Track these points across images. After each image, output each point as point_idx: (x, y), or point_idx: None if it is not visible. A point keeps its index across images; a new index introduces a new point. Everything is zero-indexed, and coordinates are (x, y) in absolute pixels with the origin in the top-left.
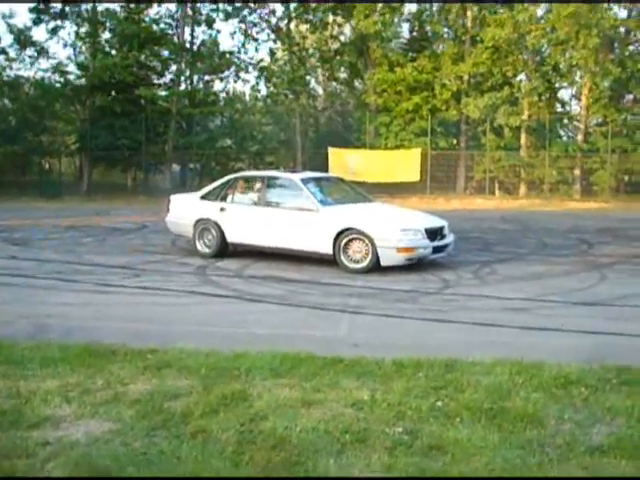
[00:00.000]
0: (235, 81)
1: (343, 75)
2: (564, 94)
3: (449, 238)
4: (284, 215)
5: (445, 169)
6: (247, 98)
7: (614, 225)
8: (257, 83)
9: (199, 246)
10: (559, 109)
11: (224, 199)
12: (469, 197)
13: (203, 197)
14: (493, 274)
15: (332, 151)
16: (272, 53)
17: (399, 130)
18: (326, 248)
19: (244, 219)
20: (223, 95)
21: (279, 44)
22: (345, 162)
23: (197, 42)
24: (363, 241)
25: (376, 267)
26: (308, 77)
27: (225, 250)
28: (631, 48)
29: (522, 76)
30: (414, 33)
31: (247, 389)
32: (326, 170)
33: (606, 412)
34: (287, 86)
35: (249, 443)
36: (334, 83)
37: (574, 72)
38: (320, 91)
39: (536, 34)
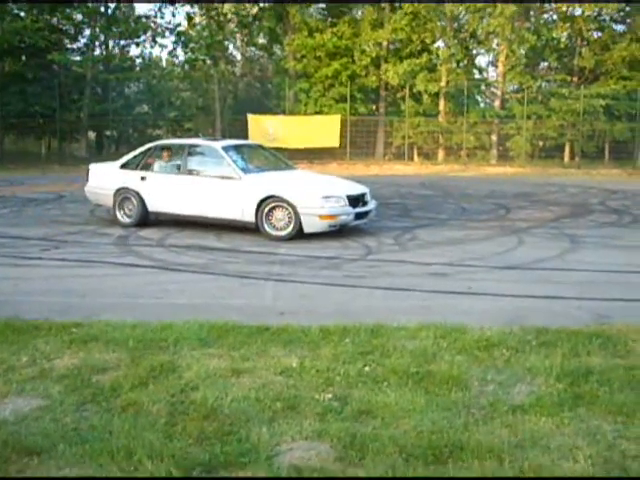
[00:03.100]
0: (152, 46)
1: (262, 41)
2: (481, 61)
3: (371, 205)
4: (205, 183)
5: (364, 135)
6: (164, 64)
7: (530, 190)
8: (174, 48)
9: (119, 216)
10: (477, 76)
11: (144, 168)
12: (388, 163)
13: (123, 166)
14: (414, 240)
15: (251, 117)
16: (190, 18)
17: (318, 96)
18: (248, 216)
19: (165, 188)
20: (139, 60)
21: (197, 8)
22: (265, 128)
23: (112, 5)
24: (286, 209)
25: (299, 234)
26: (226, 42)
27: (146, 219)
28: (546, 16)
29: (440, 43)
30: None
31: (176, 360)
32: (245, 137)
33: (527, 372)
34: (205, 52)
35: (181, 414)
36: (253, 49)
37: (491, 39)
38: (239, 57)
39: (454, 1)
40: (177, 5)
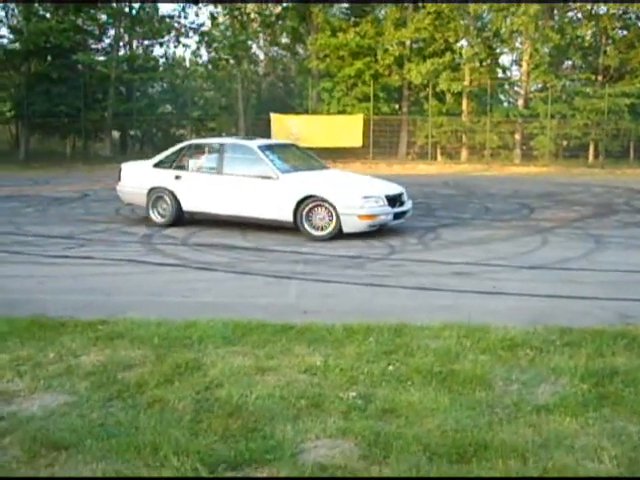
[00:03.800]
0: (175, 46)
1: (285, 40)
2: (505, 60)
3: (408, 204)
4: (243, 183)
5: (387, 134)
6: (188, 63)
7: (554, 189)
8: (198, 48)
9: (153, 215)
10: (500, 75)
11: (179, 167)
12: (411, 162)
13: (156, 165)
14: (437, 239)
15: (274, 117)
16: (213, 18)
17: (342, 95)
18: (286, 216)
19: (200, 187)
20: (163, 60)
21: (220, 8)
22: (287, 128)
23: (136, 6)
24: (326, 208)
25: (338, 234)
26: (250, 42)
27: (181, 219)
28: (570, 15)
29: (464, 42)
30: None
31: (200, 358)
32: (269, 136)
33: (551, 372)
34: (228, 51)
35: (206, 411)
36: (276, 48)
37: (515, 38)
38: (262, 56)
39: (478, 0)
40: (200, 5)
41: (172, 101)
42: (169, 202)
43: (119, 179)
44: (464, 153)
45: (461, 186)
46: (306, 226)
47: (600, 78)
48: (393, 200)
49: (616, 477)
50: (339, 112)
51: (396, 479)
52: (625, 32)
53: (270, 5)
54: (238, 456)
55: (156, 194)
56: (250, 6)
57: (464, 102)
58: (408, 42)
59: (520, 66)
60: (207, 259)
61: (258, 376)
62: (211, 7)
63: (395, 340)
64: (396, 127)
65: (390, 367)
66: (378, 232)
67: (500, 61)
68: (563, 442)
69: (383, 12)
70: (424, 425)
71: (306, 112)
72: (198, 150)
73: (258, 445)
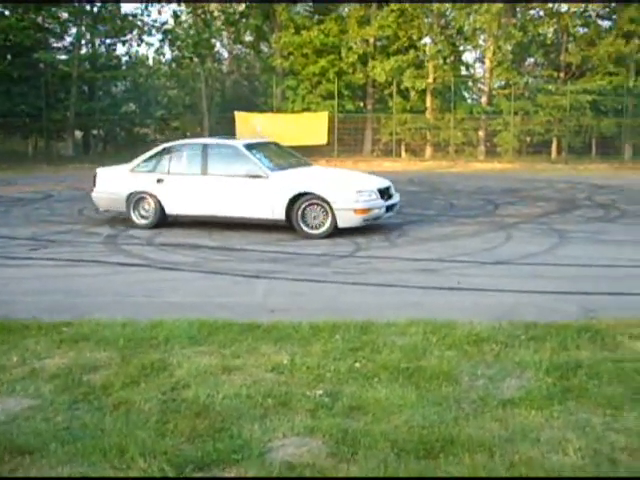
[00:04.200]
0: (138, 45)
1: (249, 38)
2: (468, 57)
3: (396, 197)
4: (230, 183)
5: (352, 132)
6: (151, 62)
7: (518, 185)
8: (161, 47)
9: (135, 219)
10: (463, 72)
11: (160, 170)
12: (376, 159)
13: (134, 169)
14: (403, 236)
15: (239, 115)
16: (176, 16)
17: (306, 93)
18: (279, 214)
19: (185, 190)
20: (126, 59)
21: (183, 7)
22: (252, 126)
23: (98, 4)
24: (319, 205)
25: (334, 231)
26: (213, 40)
27: (164, 222)
28: (532, 12)
29: (427, 39)
30: None
31: (166, 358)
32: (233, 135)
33: (516, 367)
34: (192, 50)
35: (173, 412)
36: (240, 46)
37: (478, 36)
38: (226, 54)
39: None
40: (163, 3)
41: (135, 100)
42: (153, 206)
43: (94, 185)
44: (429, 150)
45: (426, 183)
46: (301, 224)
47: (562, 75)
48: (383, 193)
49: (616, 477)
50: (303, 110)
51: (399, 479)
52: (586, 30)
53: (234, 3)
54: (205, 456)
55: (136, 198)
56: (213, 4)
57: (428, 99)
58: (372, 40)
59: (483, 63)
60: (173, 259)
61: (225, 376)
62: (174, 5)
63: (362, 337)
64: (361, 124)
65: (357, 364)
66: (344, 230)
67: (463, 58)
68: (529, 435)
69: (347, 10)
70: (391, 422)
71: (271, 110)
72: (179, 152)
73: (225, 445)
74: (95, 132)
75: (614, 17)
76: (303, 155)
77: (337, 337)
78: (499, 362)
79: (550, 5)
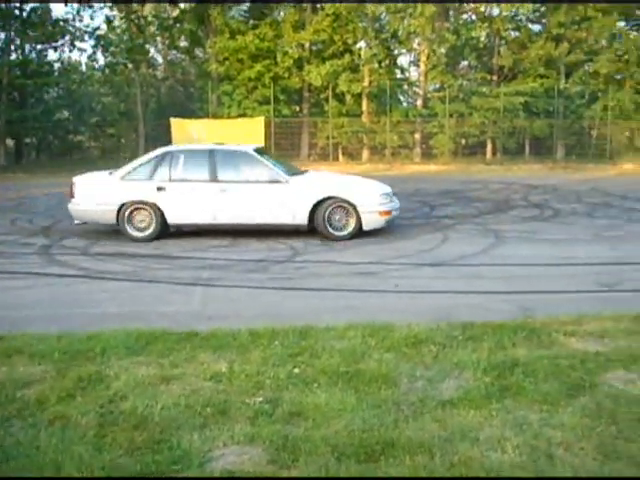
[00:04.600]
0: (70, 50)
1: (184, 44)
2: (403, 61)
3: (396, 200)
4: (246, 189)
5: (289, 137)
6: (84, 68)
7: (454, 187)
8: (94, 52)
9: (131, 232)
10: (399, 75)
11: (159, 177)
12: (313, 164)
13: (124, 177)
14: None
15: (174, 122)
16: (109, 21)
17: (242, 99)
18: (300, 219)
19: (193, 197)
20: (58, 65)
21: (116, 11)
22: (188, 132)
23: (27, 8)
24: (344, 208)
25: (358, 233)
26: (147, 46)
27: (165, 232)
28: (465, 17)
29: (362, 43)
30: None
31: (103, 370)
32: (169, 141)
33: (454, 367)
34: (126, 55)
35: (110, 425)
36: (175, 52)
37: (412, 39)
38: (160, 60)
39: (375, 2)
40: (95, 8)
41: (69, 107)
42: (152, 216)
43: (72, 195)
44: (365, 153)
45: None
46: (328, 227)
47: (495, 78)
48: (392, 196)
49: (615, 477)
50: (240, 115)
51: (398, 479)
52: (517, 33)
53: (167, 8)
54: (144, 469)
55: (130, 209)
56: (147, 9)
57: (364, 103)
58: (307, 44)
59: (418, 67)
60: (110, 268)
61: (163, 386)
62: (107, 10)
63: (301, 343)
64: (297, 129)
65: (296, 370)
66: (281, 234)
67: (398, 62)
68: (468, 435)
69: (282, 14)
70: (332, 426)
71: (206, 116)
72: (180, 158)
73: (165, 456)
74: (28, 140)
75: (544, 21)
76: None
77: (276, 343)
78: (437, 363)
79: (482, 9)
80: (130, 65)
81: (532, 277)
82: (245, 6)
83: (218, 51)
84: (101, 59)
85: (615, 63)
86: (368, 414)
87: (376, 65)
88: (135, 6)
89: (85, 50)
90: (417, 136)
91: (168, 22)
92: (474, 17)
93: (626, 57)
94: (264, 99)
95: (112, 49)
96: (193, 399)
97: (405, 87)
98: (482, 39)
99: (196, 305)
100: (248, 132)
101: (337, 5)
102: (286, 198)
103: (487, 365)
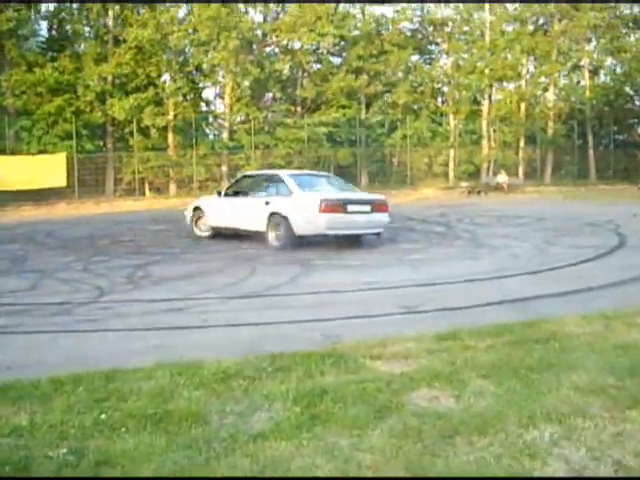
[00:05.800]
0: None
1: None
2: (208, 93)
3: None
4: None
5: (93, 172)
6: None
7: None
8: None
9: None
10: (204, 108)
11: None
12: (119, 199)
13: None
14: (148, 277)
15: None
16: None
17: (42, 134)
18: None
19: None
20: None
21: None
22: None
23: None
24: None
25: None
26: None
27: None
28: (268, 50)
29: (166, 76)
30: (53, 32)
31: None
32: None
33: (264, 399)
34: None
35: None
36: None
37: (217, 72)
38: None
39: (179, 35)
40: None
41: None
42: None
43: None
44: (172, 187)
45: (169, 220)
46: None
47: (299, 109)
48: None
49: (615, 477)
50: (40, 151)
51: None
52: (319, 65)
53: None
54: None
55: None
56: None
57: (170, 136)
58: (110, 77)
59: (223, 99)
60: None
61: None
62: None
63: (107, 386)
64: (101, 164)
65: (103, 415)
66: (85, 272)
67: (204, 95)
68: (280, 467)
69: (82, 47)
70: (141, 472)
71: (4, 153)
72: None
73: None
74: None
75: (344, 54)
76: (41, 199)
77: (81, 389)
78: (248, 397)
79: (285, 42)
80: None
81: (338, 303)
82: (43, 37)
83: (14, 84)
84: None
85: (411, 94)
86: (179, 455)
87: (181, 98)
88: None
89: None
90: (224, 168)
91: None
92: (277, 50)
93: (421, 88)
94: (66, 134)
95: None
96: None
97: (211, 120)
98: (285, 71)
99: None
100: (49, 169)
101: (140, 38)
102: None
103: (296, 395)
